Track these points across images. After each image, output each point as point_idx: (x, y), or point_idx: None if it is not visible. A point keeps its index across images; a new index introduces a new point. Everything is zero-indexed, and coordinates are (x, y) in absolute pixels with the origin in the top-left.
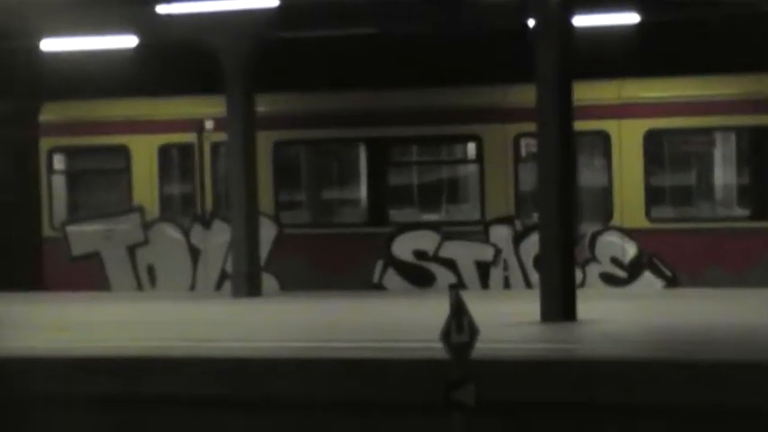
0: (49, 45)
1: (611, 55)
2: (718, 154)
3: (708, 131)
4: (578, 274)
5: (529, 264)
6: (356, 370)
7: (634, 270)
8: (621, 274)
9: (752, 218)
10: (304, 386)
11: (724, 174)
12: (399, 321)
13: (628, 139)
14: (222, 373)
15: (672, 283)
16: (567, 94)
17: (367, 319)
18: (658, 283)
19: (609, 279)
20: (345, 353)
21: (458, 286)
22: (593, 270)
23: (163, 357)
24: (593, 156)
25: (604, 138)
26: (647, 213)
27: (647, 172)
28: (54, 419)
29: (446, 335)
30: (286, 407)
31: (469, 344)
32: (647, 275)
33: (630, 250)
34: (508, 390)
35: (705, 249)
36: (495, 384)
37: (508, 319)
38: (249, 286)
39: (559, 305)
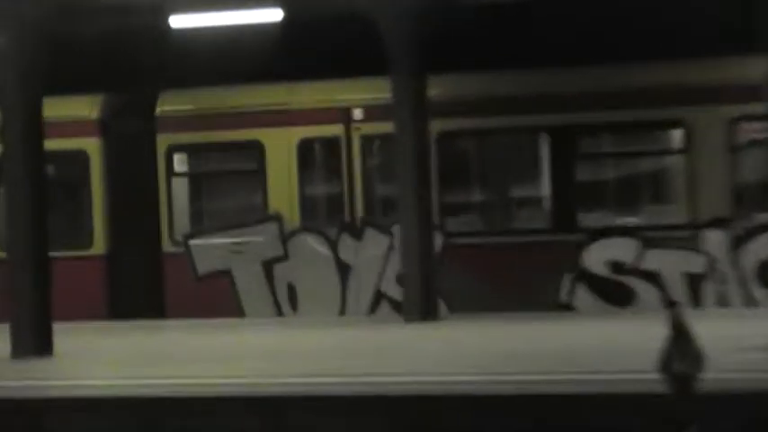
0: (178, 22)
1: None
2: None
3: None
4: None
5: (750, 275)
6: (545, 405)
7: None
8: None
9: None
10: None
11: None
12: (608, 347)
13: None
14: (402, 413)
15: None
16: None
17: (564, 347)
18: None
19: None
20: (541, 387)
21: (678, 303)
22: None
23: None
24: None
25: None
26: None
27: None
28: None
29: (666, 364)
30: None
31: (695, 375)
32: None
33: None
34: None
35: None
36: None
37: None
38: (424, 309)
39: None
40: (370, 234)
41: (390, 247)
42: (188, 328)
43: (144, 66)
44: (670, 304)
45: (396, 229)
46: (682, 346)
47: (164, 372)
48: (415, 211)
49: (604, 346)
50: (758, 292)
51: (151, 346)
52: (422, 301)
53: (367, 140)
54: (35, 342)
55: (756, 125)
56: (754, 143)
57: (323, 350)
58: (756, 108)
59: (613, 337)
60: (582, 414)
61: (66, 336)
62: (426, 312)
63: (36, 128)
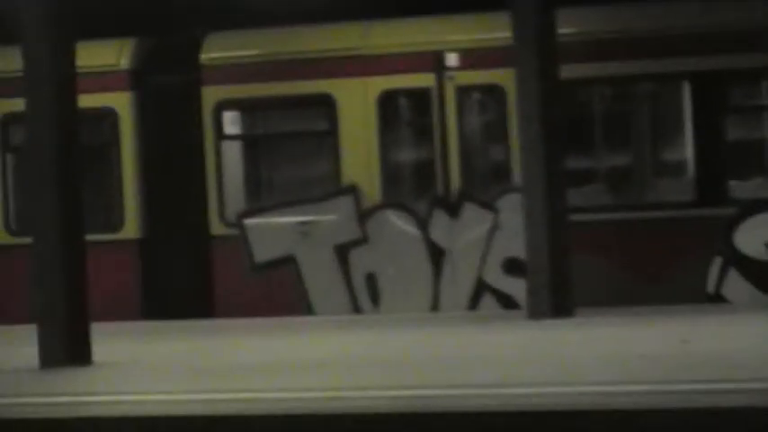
0: None
1: None
2: None
3: None
4: None
5: None
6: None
7: None
8: None
9: None
10: None
11: None
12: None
13: None
14: None
15: None
16: None
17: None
18: None
19: None
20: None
21: None
22: None
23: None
24: None
25: None
26: None
27: None
28: None
29: None
30: None
31: None
32: None
33: None
34: None
35: None
36: None
37: None
38: (556, 303)
39: None
40: (470, 211)
41: (494, 227)
42: (247, 330)
43: (185, 1)
44: None
45: (502, 203)
46: None
47: (227, 385)
48: (542, 180)
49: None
50: None
51: (209, 352)
52: (552, 292)
53: (465, 93)
54: (68, 348)
55: None
56: None
57: (451, 358)
58: None
59: None
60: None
61: (104, 340)
62: (558, 307)
63: (67, 82)
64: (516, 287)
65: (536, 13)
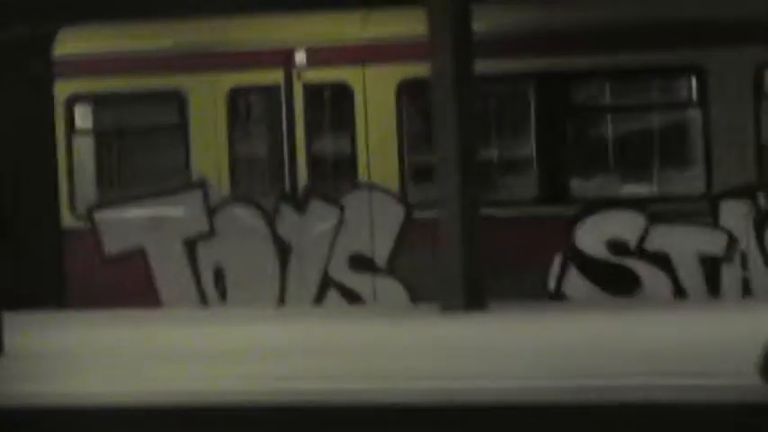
0: None
1: None
2: None
3: None
4: None
5: None
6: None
7: None
8: None
9: None
10: None
11: None
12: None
13: None
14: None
15: None
16: None
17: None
18: None
19: None
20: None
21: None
22: None
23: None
24: None
25: None
26: None
27: None
28: None
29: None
30: None
31: None
32: None
33: None
34: None
35: None
36: None
37: None
38: (468, 296)
39: None
40: (316, 207)
41: (340, 223)
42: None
43: None
44: None
45: (348, 200)
46: None
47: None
48: (457, 179)
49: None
50: None
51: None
52: (465, 287)
53: (312, 90)
54: None
55: None
56: None
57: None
58: None
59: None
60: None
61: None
62: (470, 301)
63: None
64: (361, 283)
65: (453, 7)
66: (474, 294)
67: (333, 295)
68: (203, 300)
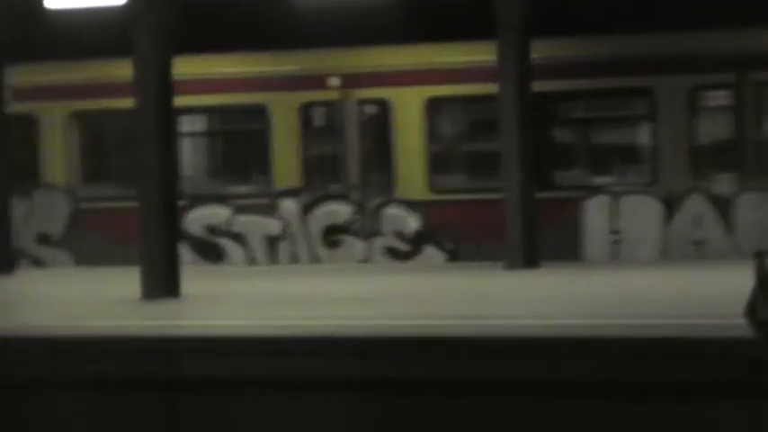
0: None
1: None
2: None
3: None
4: (364, 248)
5: (316, 238)
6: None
7: (417, 243)
8: (405, 247)
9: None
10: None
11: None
12: (693, 295)
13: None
14: (510, 353)
15: (453, 256)
16: None
17: (670, 292)
18: (440, 257)
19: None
20: (647, 331)
21: (765, 254)
22: (378, 244)
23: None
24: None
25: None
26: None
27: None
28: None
29: (752, 310)
30: (581, 390)
31: None
32: (430, 249)
33: (413, 223)
34: None
35: (487, 222)
36: None
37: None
38: (527, 256)
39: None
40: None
41: (31, 209)
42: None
43: None
44: (757, 255)
45: (40, 190)
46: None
47: (291, 312)
48: (516, 168)
49: (689, 294)
50: (322, 251)
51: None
52: (524, 248)
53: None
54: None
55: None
56: (318, 128)
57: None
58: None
59: (695, 286)
60: (672, 355)
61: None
62: (529, 260)
63: None
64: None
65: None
66: (532, 255)
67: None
68: None
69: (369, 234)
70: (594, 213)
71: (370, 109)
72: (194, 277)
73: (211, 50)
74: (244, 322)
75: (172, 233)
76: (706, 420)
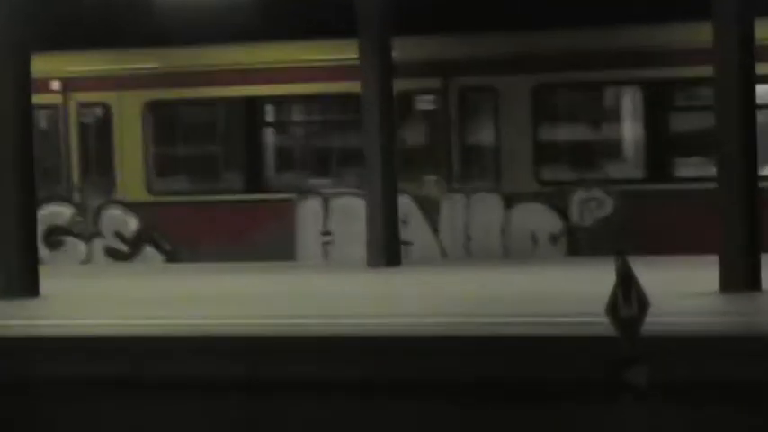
0: None
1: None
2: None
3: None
4: (85, 250)
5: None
6: (502, 348)
7: (136, 244)
8: (124, 248)
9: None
10: (451, 367)
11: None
12: (543, 293)
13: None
14: (362, 353)
15: (171, 257)
16: None
17: (511, 291)
18: (159, 257)
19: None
20: (492, 329)
21: (624, 252)
22: (99, 244)
23: (309, 336)
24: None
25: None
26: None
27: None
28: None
29: (612, 307)
30: (433, 388)
31: (639, 318)
32: (149, 250)
33: (132, 224)
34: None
35: (205, 223)
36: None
37: None
38: (388, 255)
39: None
40: None
41: None
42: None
43: None
44: (618, 254)
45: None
46: (627, 291)
47: (145, 312)
48: (379, 167)
49: (552, 292)
50: (43, 252)
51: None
52: (385, 247)
53: None
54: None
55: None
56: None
57: (302, 294)
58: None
59: (557, 283)
60: (541, 359)
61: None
62: (390, 259)
63: None
64: None
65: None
66: (393, 254)
67: None
68: None
69: (90, 235)
70: (307, 215)
71: (93, 112)
72: None
73: None
74: None
75: None
76: (572, 419)
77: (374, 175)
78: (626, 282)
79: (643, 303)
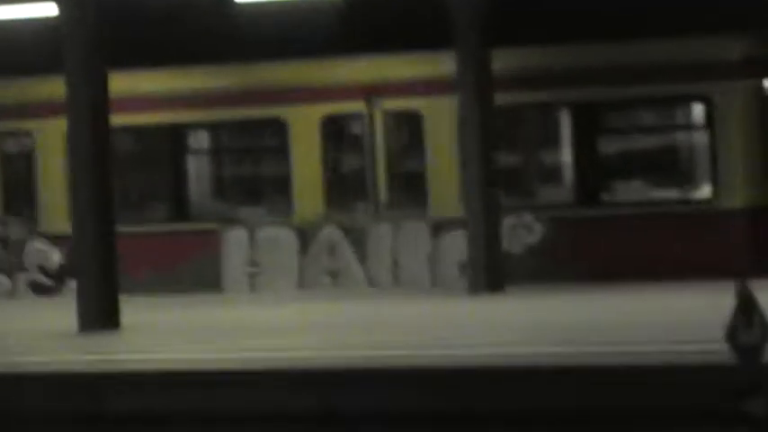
0: None
1: None
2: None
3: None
4: (9, 284)
5: None
6: (608, 375)
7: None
8: (48, 282)
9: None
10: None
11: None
12: (655, 320)
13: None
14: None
15: None
16: None
17: (625, 319)
18: None
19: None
20: (603, 359)
21: (744, 277)
22: (23, 278)
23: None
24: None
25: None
26: None
27: None
28: None
29: (733, 334)
30: (544, 420)
31: (761, 345)
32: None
33: (56, 257)
34: None
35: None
36: None
37: None
38: (490, 281)
39: None
40: None
41: None
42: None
43: None
44: (739, 279)
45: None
46: (748, 318)
47: (231, 345)
48: (481, 190)
49: (663, 319)
50: None
51: (212, 319)
52: (487, 272)
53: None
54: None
55: None
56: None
57: (402, 323)
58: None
59: (670, 309)
60: (645, 385)
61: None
62: (492, 284)
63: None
64: None
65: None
66: (495, 279)
67: None
68: None
69: (13, 269)
70: (233, 245)
71: (17, 141)
72: None
73: None
74: None
75: None
76: None
77: (474, 194)
78: (747, 307)
79: (766, 330)
